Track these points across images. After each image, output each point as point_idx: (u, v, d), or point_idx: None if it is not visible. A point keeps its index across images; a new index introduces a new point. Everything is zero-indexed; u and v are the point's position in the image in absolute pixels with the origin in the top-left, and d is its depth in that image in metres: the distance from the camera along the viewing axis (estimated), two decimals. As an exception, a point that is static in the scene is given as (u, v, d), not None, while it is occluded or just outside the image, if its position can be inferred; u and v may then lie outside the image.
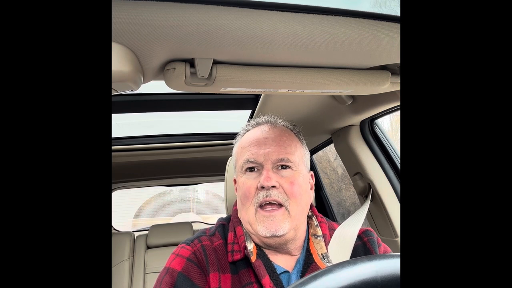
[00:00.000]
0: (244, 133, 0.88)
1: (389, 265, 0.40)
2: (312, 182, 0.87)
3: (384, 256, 0.42)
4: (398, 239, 1.28)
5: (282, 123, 0.88)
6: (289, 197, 0.76)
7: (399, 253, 0.41)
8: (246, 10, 0.54)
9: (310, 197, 0.84)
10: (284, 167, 0.78)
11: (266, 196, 0.75)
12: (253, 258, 0.75)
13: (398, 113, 1.20)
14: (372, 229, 0.89)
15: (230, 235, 0.81)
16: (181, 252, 0.78)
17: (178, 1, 0.51)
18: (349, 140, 1.36)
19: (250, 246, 0.77)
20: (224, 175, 1.06)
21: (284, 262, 0.78)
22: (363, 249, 0.83)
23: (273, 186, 0.75)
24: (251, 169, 0.79)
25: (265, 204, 0.75)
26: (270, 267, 0.74)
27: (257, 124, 0.88)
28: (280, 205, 0.75)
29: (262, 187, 0.75)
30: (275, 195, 0.75)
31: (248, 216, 0.77)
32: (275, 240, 0.75)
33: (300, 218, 0.79)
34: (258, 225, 0.75)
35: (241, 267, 0.75)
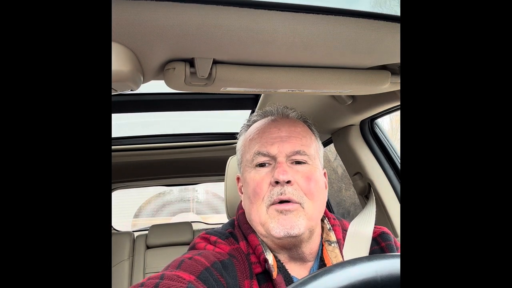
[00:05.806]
0: (250, 125, 0.79)
1: (389, 265, 0.40)
2: (326, 180, 0.77)
3: (384, 256, 0.42)
4: (398, 239, 1.28)
5: (293, 113, 0.78)
6: (305, 194, 0.67)
7: (399, 253, 0.41)
8: (246, 10, 0.54)
9: (325, 196, 0.75)
10: (299, 162, 0.70)
11: (281, 194, 0.66)
12: (274, 273, 0.66)
13: (398, 113, 1.20)
14: (388, 231, 0.81)
15: (242, 245, 0.70)
16: (219, 244, 0.70)
17: (178, 1, 0.51)
18: (349, 140, 1.36)
19: (271, 259, 0.67)
20: (224, 175, 1.06)
21: (298, 272, 0.71)
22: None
23: (288, 182, 0.66)
24: (261, 165, 0.70)
25: (279, 202, 0.66)
26: (289, 282, 0.66)
27: (265, 114, 0.79)
28: (295, 202, 0.67)
29: (276, 182, 0.66)
30: (290, 192, 0.66)
31: (259, 215, 0.68)
32: (289, 241, 0.67)
33: (317, 219, 0.71)
34: (271, 222, 0.66)
35: (262, 281, 0.66)
